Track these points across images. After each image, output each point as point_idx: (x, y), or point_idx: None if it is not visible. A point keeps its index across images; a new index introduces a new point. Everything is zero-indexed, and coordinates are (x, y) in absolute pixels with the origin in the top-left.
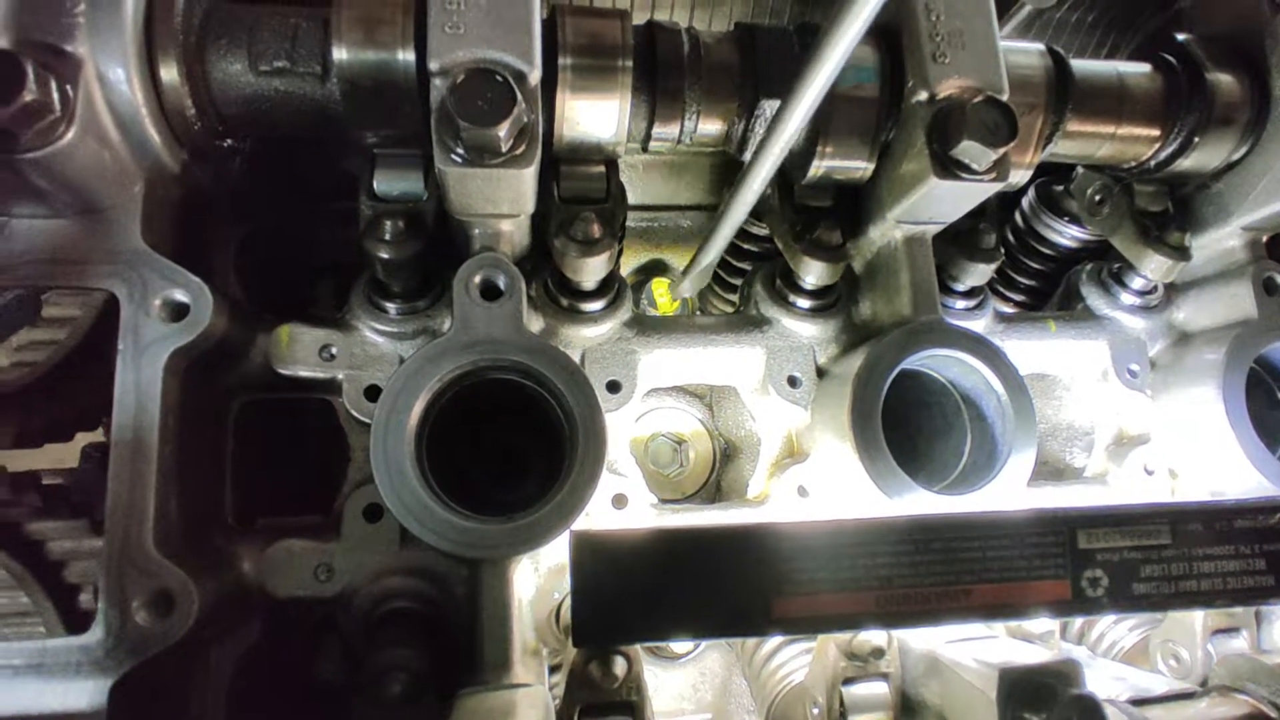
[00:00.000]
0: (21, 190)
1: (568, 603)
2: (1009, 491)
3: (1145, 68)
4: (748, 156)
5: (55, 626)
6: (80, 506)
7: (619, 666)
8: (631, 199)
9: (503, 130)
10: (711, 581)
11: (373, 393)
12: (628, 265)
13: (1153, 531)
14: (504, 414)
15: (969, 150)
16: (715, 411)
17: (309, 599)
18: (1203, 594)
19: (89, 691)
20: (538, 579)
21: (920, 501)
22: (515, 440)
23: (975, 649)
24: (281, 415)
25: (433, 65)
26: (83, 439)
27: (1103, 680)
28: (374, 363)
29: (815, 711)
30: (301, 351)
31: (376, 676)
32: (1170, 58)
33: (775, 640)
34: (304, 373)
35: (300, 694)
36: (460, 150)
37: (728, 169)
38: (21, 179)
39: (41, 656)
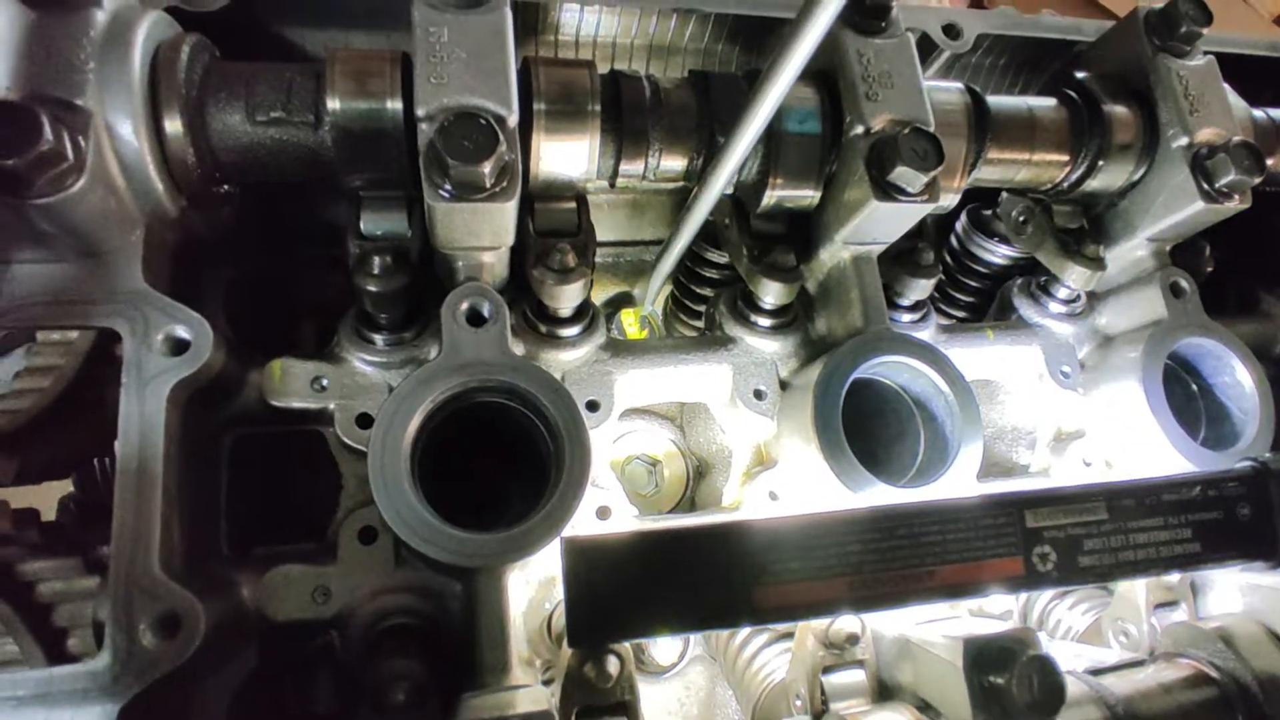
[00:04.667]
0: (29, 235)
1: (559, 612)
2: (961, 481)
3: (1051, 102)
4: None
5: None
6: (74, 545)
7: (612, 665)
8: (599, 236)
9: (486, 167)
10: (695, 577)
11: (364, 420)
12: (597, 298)
13: (1091, 508)
14: (483, 456)
15: (903, 175)
16: (686, 432)
17: (308, 621)
18: (1140, 563)
19: (96, 717)
20: (529, 591)
21: (882, 495)
22: (494, 481)
23: (942, 628)
24: (271, 450)
25: (420, 111)
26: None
27: (1062, 658)
28: (364, 392)
29: (798, 703)
30: (294, 384)
31: (379, 687)
32: (1072, 93)
33: (755, 642)
34: (297, 404)
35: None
36: (448, 187)
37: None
38: (29, 224)
39: (48, 685)
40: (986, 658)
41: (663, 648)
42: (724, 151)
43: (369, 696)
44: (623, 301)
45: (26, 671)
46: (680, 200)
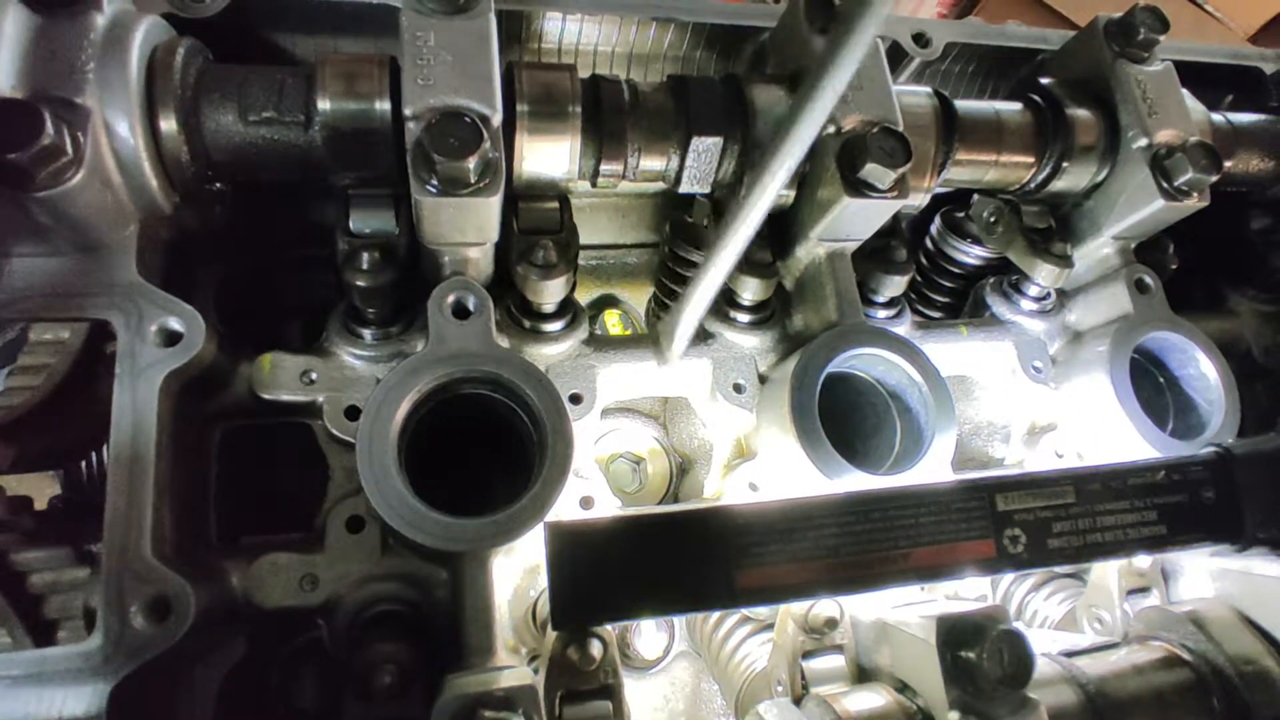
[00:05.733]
0: (28, 229)
1: (544, 599)
2: (936, 468)
3: (1017, 106)
4: (683, 189)
5: None
6: (65, 536)
7: (595, 649)
8: (582, 239)
9: (471, 163)
10: (678, 560)
11: (352, 413)
12: (581, 300)
13: (1059, 492)
14: (468, 450)
15: (872, 172)
16: (669, 430)
17: (296, 609)
18: (1108, 545)
19: (87, 697)
20: (515, 579)
21: (858, 482)
22: (479, 474)
23: (917, 610)
24: (258, 443)
25: (408, 111)
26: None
27: (1039, 645)
28: (352, 385)
29: (779, 689)
30: (283, 377)
31: (365, 671)
32: (1037, 98)
33: (738, 634)
34: (286, 397)
35: (280, 717)
36: (434, 182)
37: (667, 210)
38: (30, 218)
39: (41, 665)
40: (958, 634)
41: (648, 643)
42: (759, 178)
43: (354, 683)
44: (606, 303)
45: (20, 652)
46: (663, 204)
